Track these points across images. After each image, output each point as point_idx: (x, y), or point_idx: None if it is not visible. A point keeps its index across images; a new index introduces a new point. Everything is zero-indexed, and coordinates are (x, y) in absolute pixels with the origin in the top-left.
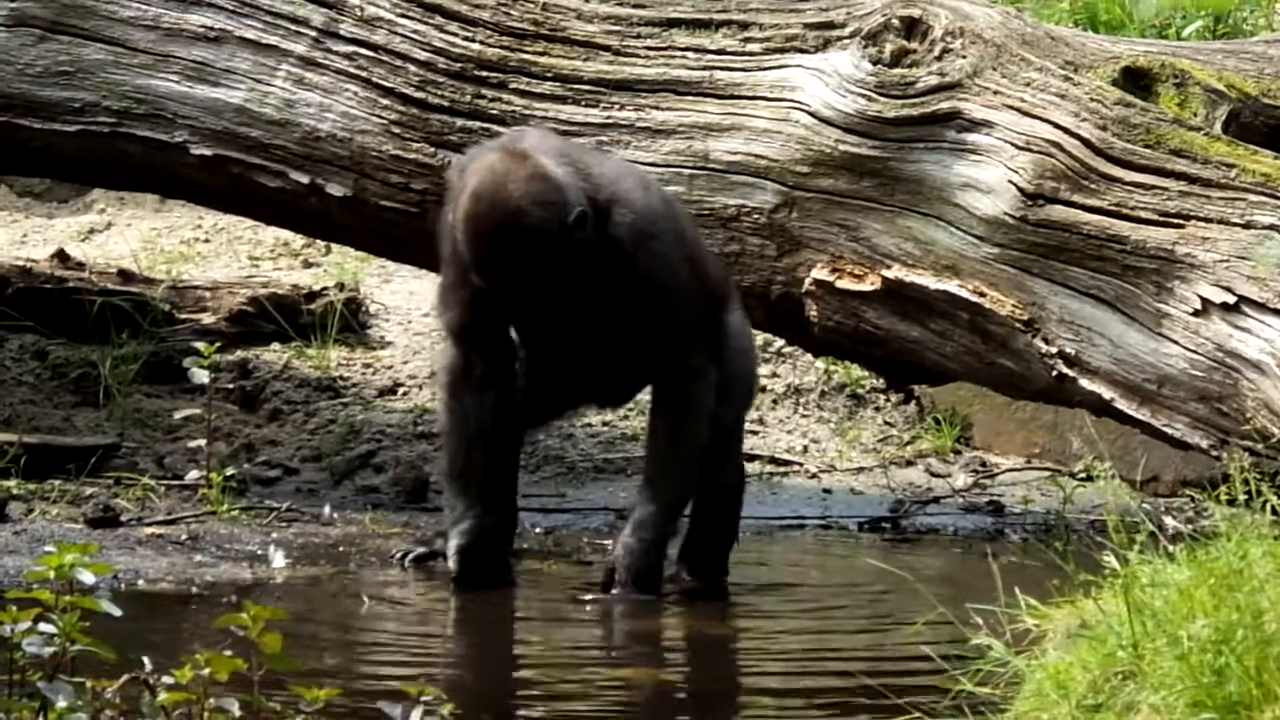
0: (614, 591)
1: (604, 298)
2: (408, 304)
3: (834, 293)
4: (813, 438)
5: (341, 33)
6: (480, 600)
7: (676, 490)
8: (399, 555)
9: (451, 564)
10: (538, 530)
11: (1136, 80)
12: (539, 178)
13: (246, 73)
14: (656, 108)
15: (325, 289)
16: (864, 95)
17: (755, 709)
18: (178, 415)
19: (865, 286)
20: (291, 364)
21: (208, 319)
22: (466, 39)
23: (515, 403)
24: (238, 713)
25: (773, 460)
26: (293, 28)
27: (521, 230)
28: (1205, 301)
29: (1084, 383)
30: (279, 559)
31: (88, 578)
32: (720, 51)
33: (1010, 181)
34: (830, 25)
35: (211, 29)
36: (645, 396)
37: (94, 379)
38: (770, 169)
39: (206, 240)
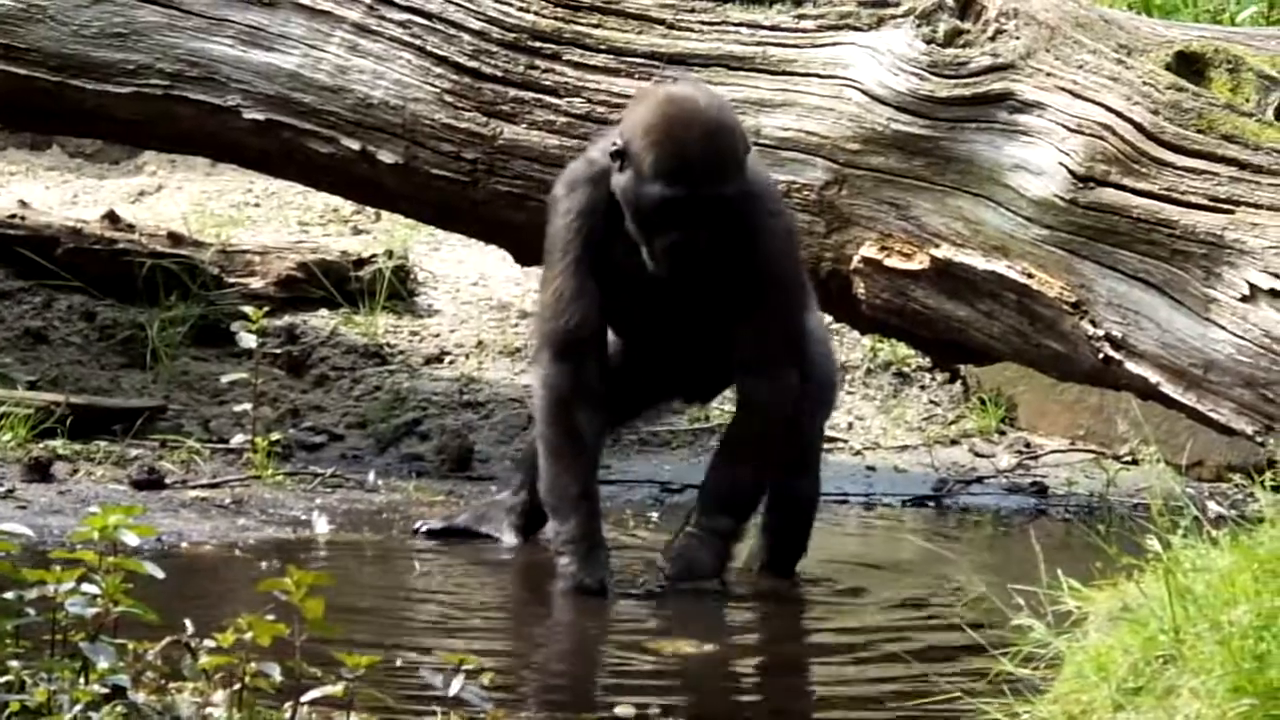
0: (664, 582)
1: (716, 274)
2: (456, 272)
3: (882, 271)
4: (858, 415)
5: (396, 0)
6: (523, 569)
7: (731, 493)
8: (421, 528)
9: (564, 586)
10: None
11: (1189, 65)
12: (725, 104)
13: (300, 38)
14: (709, 82)
15: (374, 256)
16: (917, 74)
17: (790, 684)
18: (224, 379)
19: (914, 265)
20: (339, 330)
21: (256, 283)
22: (521, 9)
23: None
24: (279, 677)
25: None
26: None
27: (723, 131)
28: (1254, 287)
29: (1130, 366)
30: (322, 525)
31: (131, 539)
32: (774, 28)
33: (1061, 164)
34: (884, 3)
35: None
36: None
37: (141, 341)
38: (821, 146)
39: (256, 204)
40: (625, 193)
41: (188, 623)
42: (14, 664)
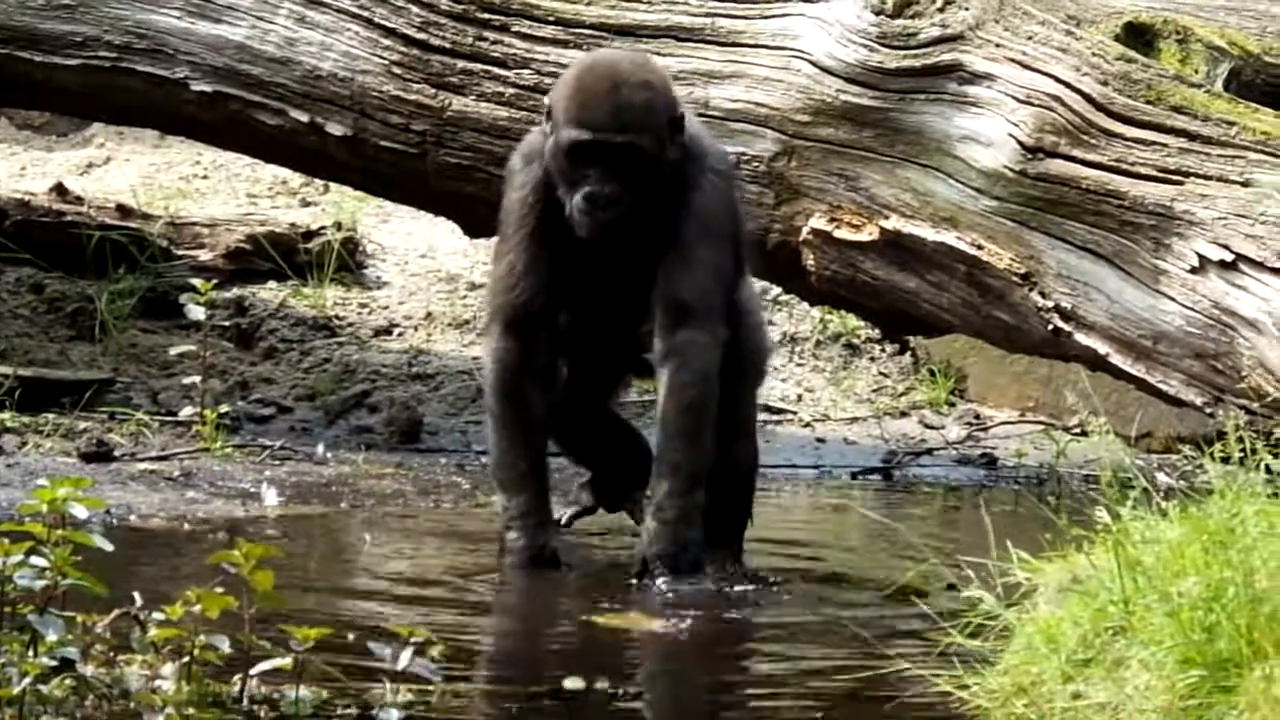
0: (657, 582)
1: (647, 236)
2: (405, 245)
3: (831, 242)
4: (807, 386)
5: None
6: (473, 542)
7: (692, 459)
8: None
9: (513, 561)
10: None
11: (1139, 36)
12: (654, 68)
13: (248, 10)
14: (658, 53)
15: (323, 228)
16: (866, 45)
17: (737, 657)
18: (173, 351)
19: (863, 237)
20: (288, 302)
21: (205, 256)
22: None
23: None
24: (228, 650)
25: (767, 408)
26: None
27: (636, 84)
28: (1203, 259)
29: (1080, 337)
30: (271, 497)
31: (80, 512)
32: None
33: (1010, 135)
34: None
35: None
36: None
37: (90, 313)
38: (770, 117)
39: (205, 177)
40: (548, 150)
41: (136, 595)
42: None
